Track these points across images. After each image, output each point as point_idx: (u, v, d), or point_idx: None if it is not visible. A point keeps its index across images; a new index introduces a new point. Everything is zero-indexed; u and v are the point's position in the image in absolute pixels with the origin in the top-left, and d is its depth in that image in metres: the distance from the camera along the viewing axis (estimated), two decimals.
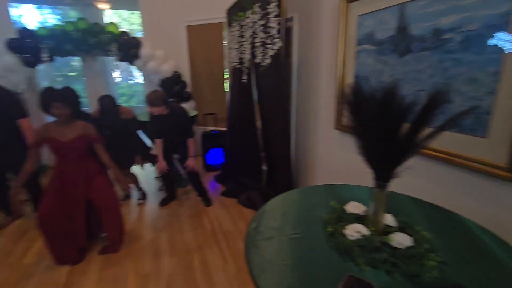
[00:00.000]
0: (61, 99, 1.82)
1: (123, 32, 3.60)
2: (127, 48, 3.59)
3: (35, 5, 7.60)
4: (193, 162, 2.74)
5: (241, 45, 2.72)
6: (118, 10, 7.32)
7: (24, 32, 3.22)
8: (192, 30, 4.08)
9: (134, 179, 3.03)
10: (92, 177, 2.03)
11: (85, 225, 2.08)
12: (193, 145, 2.72)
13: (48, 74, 7.84)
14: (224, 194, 3.22)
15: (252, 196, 2.95)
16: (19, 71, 3.28)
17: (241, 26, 2.68)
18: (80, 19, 3.44)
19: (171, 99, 3.36)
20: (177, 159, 3.12)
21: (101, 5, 5.53)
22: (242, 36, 2.70)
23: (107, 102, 2.55)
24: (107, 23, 3.57)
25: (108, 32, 3.50)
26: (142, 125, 3.10)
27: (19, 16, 7.47)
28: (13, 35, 3.21)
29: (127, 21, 9.13)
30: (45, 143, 1.88)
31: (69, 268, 2.04)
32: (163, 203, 3.01)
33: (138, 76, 9.43)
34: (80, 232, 2.06)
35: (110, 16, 7.37)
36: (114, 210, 2.16)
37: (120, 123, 2.64)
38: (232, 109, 3.25)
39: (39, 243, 2.34)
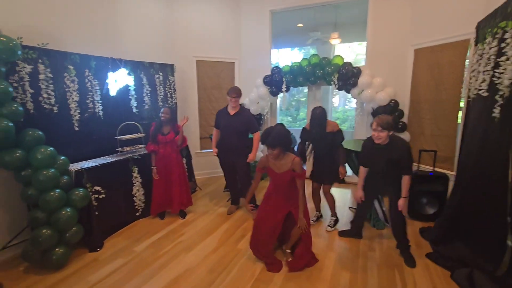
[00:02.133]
0: (271, 143, 2.14)
1: (346, 63, 3.79)
2: (346, 78, 3.75)
3: (289, 48, 9.98)
4: (404, 204, 2.32)
5: (496, 66, 1.97)
6: (348, 43, 7.91)
7: (275, 70, 4.25)
8: (421, 53, 3.55)
9: (332, 201, 3.03)
10: (295, 198, 2.29)
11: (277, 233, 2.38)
12: (408, 184, 2.30)
13: (286, 100, 9.96)
14: (431, 257, 2.48)
15: (478, 279, 2.04)
16: (266, 99, 4.37)
17: (501, 40, 1.94)
18: (313, 55, 4.03)
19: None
20: (377, 199, 2.85)
21: (333, 41, 6.25)
22: (500, 54, 1.95)
23: (318, 112, 2.76)
24: (334, 56, 3.93)
25: (333, 65, 3.83)
26: (349, 153, 3.08)
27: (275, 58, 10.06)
28: (268, 72, 4.34)
29: (354, 52, 9.70)
30: (266, 170, 2.32)
31: (262, 266, 2.39)
32: (344, 234, 2.86)
33: (354, 102, 9.72)
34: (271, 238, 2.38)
35: (340, 48, 8.13)
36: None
37: (326, 135, 2.77)
38: (467, 149, 2.45)
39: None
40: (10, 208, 2.57)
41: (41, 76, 2.61)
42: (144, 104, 3.71)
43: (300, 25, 6.50)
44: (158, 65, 3.86)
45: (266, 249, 2.39)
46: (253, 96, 4.37)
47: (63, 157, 2.54)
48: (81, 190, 2.56)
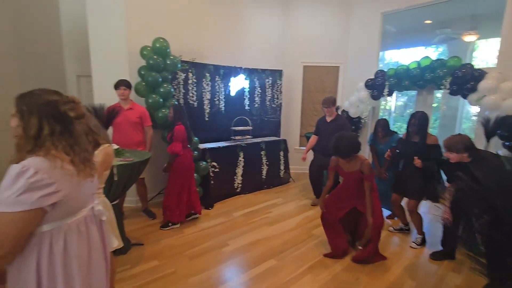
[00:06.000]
0: (344, 155, 2.36)
1: (465, 65, 3.35)
2: (463, 82, 3.32)
3: (412, 47, 8.91)
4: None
5: None
6: (488, 39, 6.43)
7: (378, 73, 4.20)
8: None
9: (418, 221, 2.81)
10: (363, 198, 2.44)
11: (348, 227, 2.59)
12: None
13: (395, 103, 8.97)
14: None
15: None
16: (366, 102, 4.38)
17: None
18: (425, 58, 3.74)
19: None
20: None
21: (468, 38, 5.34)
22: None
23: (418, 116, 2.63)
24: (450, 58, 3.53)
25: (447, 67, 3.46)
26: (444, 163, 2.83)
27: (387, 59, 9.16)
28: (372, 76, 4.33)
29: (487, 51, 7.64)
30: (337, 168, 2.55)
31: (328, 252, 2.67)
32: (436, 256, 2.61)
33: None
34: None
35: (479, 46, 6.68)
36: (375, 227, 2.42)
37: (423, 146, 2.63)
38: None
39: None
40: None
41: (189, 81, 3.79)
42: (254, 103, 4.55)
43: (428, 21, 5.84)
44: (269, 71, 4.61)
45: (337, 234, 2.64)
46: (354, 99, 4.47)
47: (196, 138, 3.61)
48: (204, 162, 3.57)
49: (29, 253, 0.94)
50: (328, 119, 3.62)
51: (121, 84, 2.95)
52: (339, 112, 3.96)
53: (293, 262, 2.53)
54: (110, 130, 2.91)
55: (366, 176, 2.36)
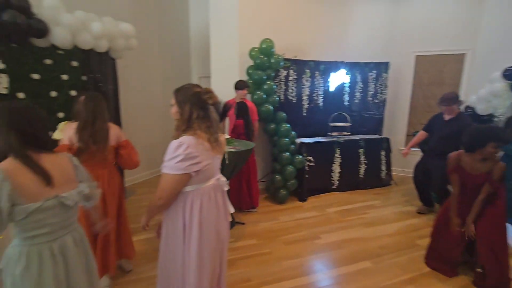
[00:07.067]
0: (501, 141, 1.94)
1: None
2: None
3: None
4: None
5: None
6: None
7: None
8: None
9: None
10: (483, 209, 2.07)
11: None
12: None
13: None
14: None
15: None
16: (503, 97, 3.52)
17: None
18: None
19: None
20: None
21: None
22: None
23: None
24: None
25: None
26: None
27: None
28: None
29: None
30: (458, 170, 2.14)
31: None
32: None
33: None
34: (457, 248, 2.24)
35: None
36: (497, 247, 2.01)
37: None
38: None
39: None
40: (264, 158, 4.20)
41: (290, 78, 3.97)
42: (354, 98, 4.35)
43: None
44: (373, 64, 4.30)
45: (450, 258, 2.28)
46: (484, 93, 3.66)
47: (293, 132, 3.77)
48: (300, 156, 3.70)
49: (178, 207, 1.30)
50: (447, 117, 3.11)
51: (246, 86, 3.37)
52: (462, 109, 3.35)
53: (391, 269, 2.37)
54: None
55: (492, 180, 1.98)
